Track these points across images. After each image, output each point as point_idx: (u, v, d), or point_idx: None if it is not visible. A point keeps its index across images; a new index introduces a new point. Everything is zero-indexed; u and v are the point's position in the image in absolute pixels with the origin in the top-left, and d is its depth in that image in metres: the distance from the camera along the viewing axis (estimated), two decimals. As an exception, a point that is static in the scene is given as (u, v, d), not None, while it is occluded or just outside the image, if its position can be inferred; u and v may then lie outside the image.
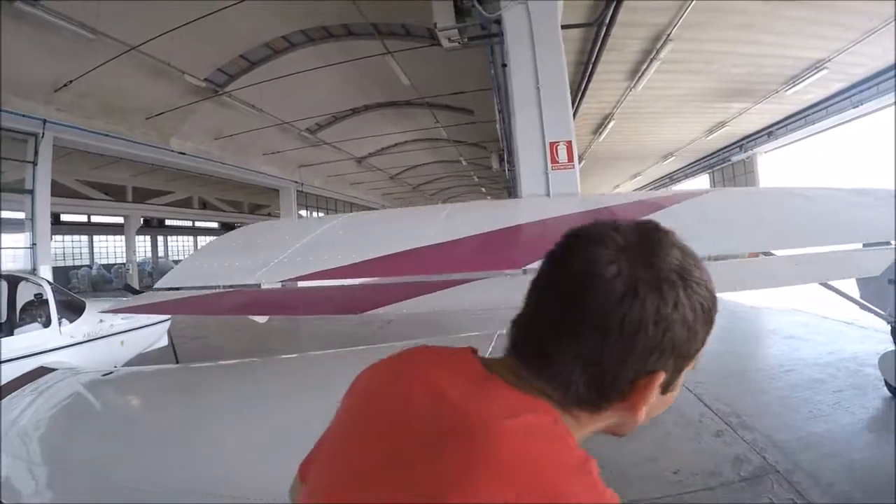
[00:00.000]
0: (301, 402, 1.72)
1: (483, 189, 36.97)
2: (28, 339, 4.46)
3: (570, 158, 6.22)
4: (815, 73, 12.16)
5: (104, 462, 1.79)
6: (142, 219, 26.38)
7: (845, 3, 8.96)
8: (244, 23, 10.71)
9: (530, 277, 0.84)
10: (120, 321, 5.54)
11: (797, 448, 4.77)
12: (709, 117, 16.45)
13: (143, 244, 31.80)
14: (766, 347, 9.13)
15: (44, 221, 11.31)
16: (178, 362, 6.52)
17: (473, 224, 1.88)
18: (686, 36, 9.85)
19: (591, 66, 10.48)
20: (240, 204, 32.09)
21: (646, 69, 11.18)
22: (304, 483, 0.96)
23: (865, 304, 5.18)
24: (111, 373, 4.40)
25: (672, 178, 29.07)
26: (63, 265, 26.28)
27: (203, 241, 38.32)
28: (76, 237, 29.01)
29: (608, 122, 15.65)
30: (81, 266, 28.28)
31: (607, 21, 8.53)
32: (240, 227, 29.08)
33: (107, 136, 13.47)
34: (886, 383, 5.86)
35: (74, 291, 8.23)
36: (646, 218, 0.78)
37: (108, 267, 29.09)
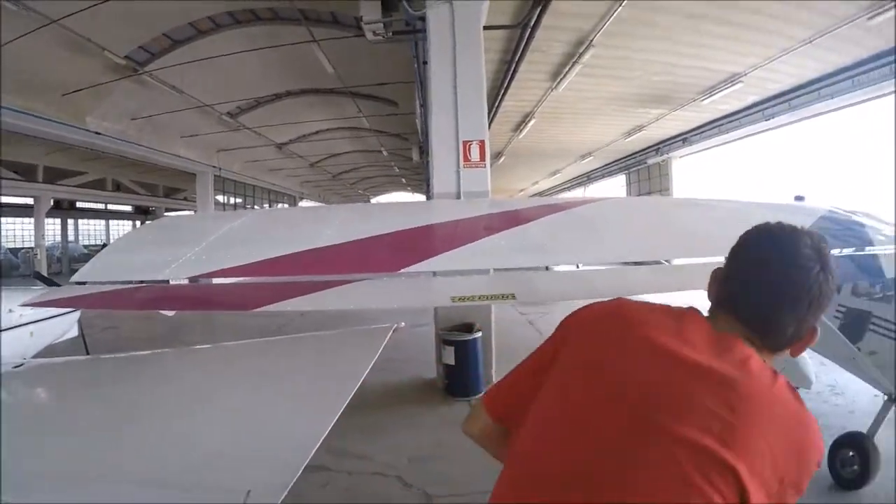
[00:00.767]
0: (216, 393, 1.78)
1: (403, 180, 36.88)
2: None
3: (483, 157, 6.38)
4: (730, 86, 12.84)
5: (19, 458, 1.78)
6: (52, 200, 24.71)
7: (763, 22, 9.50)
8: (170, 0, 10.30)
9: (405, 279, 1.12)
10: (28, 311, 5.30)
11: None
12: (628, 120, 17.01)
13: (52, 227, 29.85)
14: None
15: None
16: (88, 353, 6.29)
17: (367, 227, 2.00)
18: (609, 43, 10.17)
19: (514, 65, 10.63)
20: (155, 187, 30.72)
21: (568, 71, 11.45)
22: (499, 423, 1.28)
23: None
24: (21, 364, 4.22)
25: (590, 176, 29.76)
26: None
27: (116, 224, 36.50)
28: (-20, 218, 26.91)
29: (529, 121, 15.91)
30: (-15, 250, 26.28)
31: (532, 24, 8.68)
32: (154, 210, 27.80)
33: (20, 112, 12.62)
34: None
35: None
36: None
37: (14, 251, 27.31)
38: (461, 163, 6.36)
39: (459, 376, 6.55)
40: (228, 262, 1.71)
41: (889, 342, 3.95)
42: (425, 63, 7.53)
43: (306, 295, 1.66)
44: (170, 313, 5.81)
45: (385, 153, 25.21)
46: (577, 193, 32.42)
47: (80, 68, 12.06)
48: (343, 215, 2.43)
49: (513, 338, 8.98)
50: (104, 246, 22.32)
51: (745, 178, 19.04)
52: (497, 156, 21.05)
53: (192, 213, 27.45)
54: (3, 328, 4.87)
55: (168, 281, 1.84)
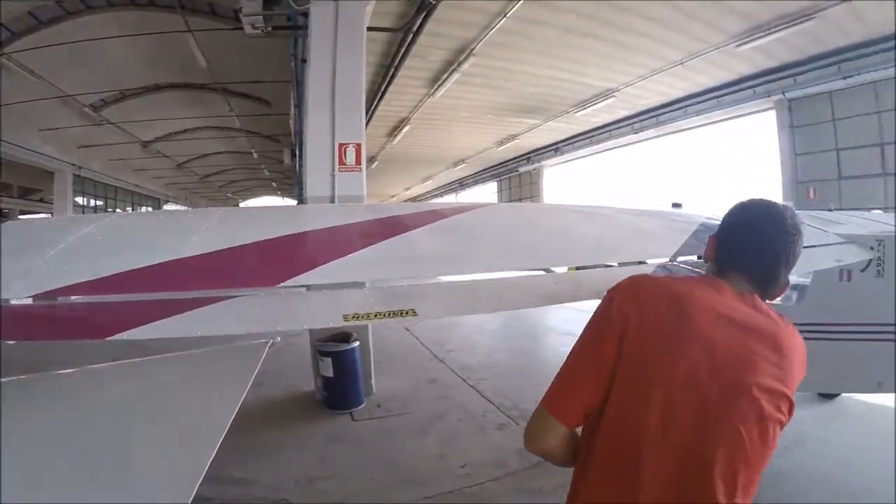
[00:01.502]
0: (64, 438, 1.43)
1: (274, 184, 35.39)
2: None
3: (359, 161, 6.19)
4: (603, 100, 13.64)
5: None
6: None
7: (640, 43, 10.15)
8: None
9: (285, 295, 1.04)
10: None
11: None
12: (502, 129, 17.53)
13: None
14: (543, 344, 9.96)
15: None
16: None
17: (239, 235, 1.78)
18: (489, 53, 10.38)
19: (393, 69, 10.58)
20: (9, 187, 27.05)
21: (446, 79, 11.57)
22: (572, 428, 1.32)
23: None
24: None
25: (462, 183, 30.41)
26: None
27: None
28: None
29: (404, 126, 15.96)
30: None
31: (415, 28, 8.68)
32: (8, 213, 24.47)
33: None
34: None
35: None
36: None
37: None
38: (336, 166, 6.12)
39: (339, 388, 6.25)
40: (71, 277, 1.41)
41: None
42: (304, 61, 7.20)
43: (167, 318, 1.38)
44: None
45: (256, 155, 24.07)
46: (450, 199, 33.06)
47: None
48: (208, 220, 2.14)
49: (391, 346, 8.87)
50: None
51: (616, 187, 20.50)
52: (371, 160, 20.93)
53: (48, 216, 24.57)
54: None
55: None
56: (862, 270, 3.60)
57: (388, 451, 5.07)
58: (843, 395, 5.74)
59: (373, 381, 6.76)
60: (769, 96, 11.39)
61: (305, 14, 6.39)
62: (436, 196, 35.91)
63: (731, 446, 1.19)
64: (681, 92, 13.19)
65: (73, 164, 20.08)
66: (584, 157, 20.01)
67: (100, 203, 24.20)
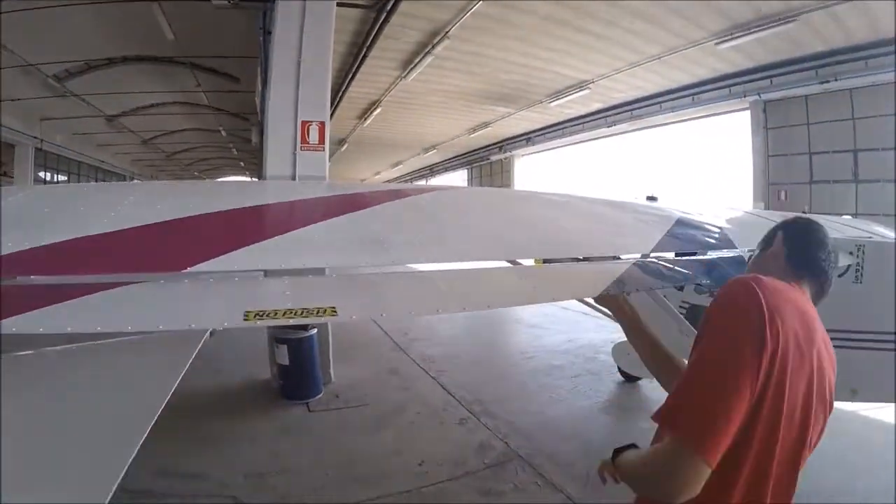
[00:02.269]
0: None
1: (242, 163, 34.51)
2: None
3: (322, 140, 5.94)
4: (578, 91, 13.50)
5: None
6: None
7: (618, 35, 9.97)
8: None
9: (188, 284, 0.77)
10: None
11: (538, 432, 5.10)
12: (474, 116, 17.28)
13: None
14: (509, 336, 9.86)
15: None
16: None
17: (155, 211, 1.53)
18: (464, 36, 10.09)
19: (364, 49, 10.27)
20: None
21: (419, 61, 11.25)
22: (712, 465, 1.13)
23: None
24: None
25: (432, 170, 30.19)
26: None
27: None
28: None
29: (375, 109, 15.62)
30: None
31: (388, 7, 8.40)
32: None
33: None
34: (619, 369, 6.62)
35: None
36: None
37: None
38: (299, 144, 5.86)
39: (295, 377, 6.00)
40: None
41: None
42: (269, 33, 6.85)
43: (38, 310, 1.11)
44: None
45: (224, 133, 23.38)
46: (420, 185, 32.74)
47: None
48: (131, 194, 1.86)
49: (351, 333, 8.62)
50: None
51: (589, 179, 20.54)
52: (340, 143, 20.57)
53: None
54: None
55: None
56: (840, 276, 3.49)
57: (343, 445, 4.88)
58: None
59: (331, 370, 6.54)
60: (745, 97, 11.40)
61: (274, -17, 6.05)
62: (405, 181, 35.53)
63: (809, 450, 1.32)
64: (656, 87, 13.14)
65: (36, 137, 19.33)
66: (556, 147, 19.93)
67: (63, 178, 23.57)
